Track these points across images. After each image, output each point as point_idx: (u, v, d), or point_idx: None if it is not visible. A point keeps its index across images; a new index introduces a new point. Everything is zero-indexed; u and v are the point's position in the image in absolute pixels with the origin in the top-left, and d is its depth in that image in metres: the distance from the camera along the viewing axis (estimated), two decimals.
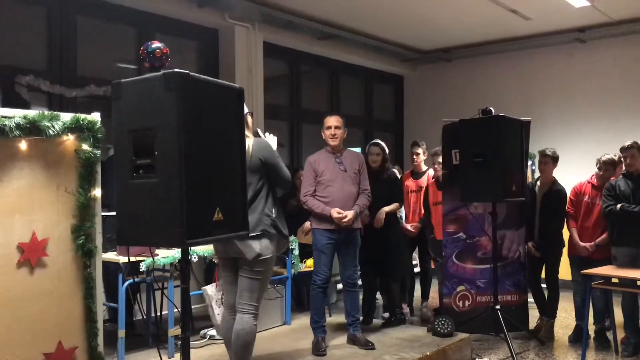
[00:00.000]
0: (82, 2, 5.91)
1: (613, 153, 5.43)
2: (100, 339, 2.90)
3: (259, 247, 3.50)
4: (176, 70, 2.47)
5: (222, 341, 4.03)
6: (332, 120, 4.69)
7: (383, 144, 5.54)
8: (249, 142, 3.54)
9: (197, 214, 2.49)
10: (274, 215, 3.61)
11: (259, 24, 7.25)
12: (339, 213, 4.50)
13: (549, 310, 5.74)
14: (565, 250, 5.69)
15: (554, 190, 5.61)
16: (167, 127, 2.45)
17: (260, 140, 3.66)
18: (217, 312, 4.69)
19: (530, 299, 5.87)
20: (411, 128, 10.10)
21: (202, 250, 4.63)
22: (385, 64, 9.53)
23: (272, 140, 3.86)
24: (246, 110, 3.66)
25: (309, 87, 8.74)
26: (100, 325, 2.90)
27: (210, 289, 4.78)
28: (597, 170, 5.43)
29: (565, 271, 5.71)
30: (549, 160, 5.65)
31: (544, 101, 8.63)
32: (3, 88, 5.42)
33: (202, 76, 2.62)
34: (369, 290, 5.77)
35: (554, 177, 5.69)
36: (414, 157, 6.44)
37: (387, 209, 5.28)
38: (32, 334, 2.70)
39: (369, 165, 5.30)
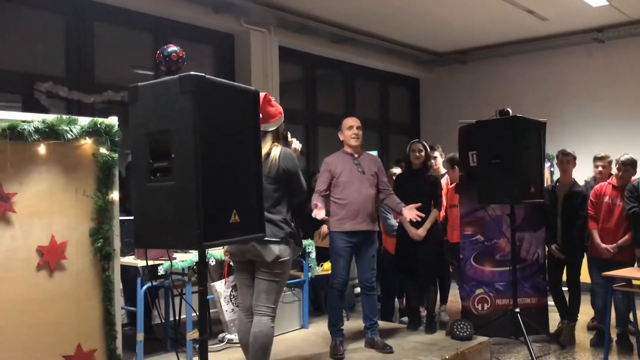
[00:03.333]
0: (100, 9, 5.98)
1: (632, 153, 5.36)
2: (119, 342, 2.91)
3: (278, 249, 3.52)
4: (192, 73, 2.48)
5: (239, 345, 4.03)
6: (354, 120, 4.69)
7: (425, 143, 5.45)
8: (277, 151, 3.61)
9: (213, 216, 2.49)
10: (293, 224, 3.65)
11: (274, 29, 7.28)
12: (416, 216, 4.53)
13: (570, 313, 5.66)
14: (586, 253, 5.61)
15: (575, 191, 5.54)
16: (183, 130, 2.46)
17: (286, 150, 3.69)
18: (226, 309, 4.71)
19: (551, 302, 5.79)
20: (427, 131, 10.05)
21: (220, 253, 4.63)
22: (400, 66, 9.52)
23: (297, 146, 3.91)
24: (282, 119, 3.73)
25: (324, 90, 8.74)
26: (118, 328, 2.92)
27: (219, 286, 4.80)
28: (615, 170, 5.36)
29: (585, 273, 5.64)
30: (571, 159, 5.59)
31: (561, 102, 8.55)
32: (23, 95, 5.49)
33: (218, 79, 2.63)
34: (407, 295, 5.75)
35: (574, 178, 5.63)
36: (431, 160, 6.40)
37: (428, 225, 5.17)
38: (51, 336, 2.72)
39: (411, 165, 5.31)
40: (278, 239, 3.52)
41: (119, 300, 2.95)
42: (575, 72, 8.52)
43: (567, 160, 5.58)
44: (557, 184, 5.70)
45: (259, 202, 2.83)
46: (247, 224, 2.70)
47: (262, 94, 3.68)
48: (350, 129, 4.66)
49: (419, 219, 4.57)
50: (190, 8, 6.50)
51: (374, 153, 9.40)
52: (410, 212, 4.54)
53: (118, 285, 2.94)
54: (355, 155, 4.69)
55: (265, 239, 3.42)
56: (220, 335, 5.07)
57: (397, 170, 6.33)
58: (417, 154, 5.29)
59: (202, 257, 2.70)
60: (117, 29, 6.27)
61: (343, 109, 8.83)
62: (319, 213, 4.25)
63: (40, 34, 5.74)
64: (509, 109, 5.13)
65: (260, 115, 3.58)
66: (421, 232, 5.17)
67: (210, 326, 5.32)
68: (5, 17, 5.49)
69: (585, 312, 5.95)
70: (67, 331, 2.76)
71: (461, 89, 9.63)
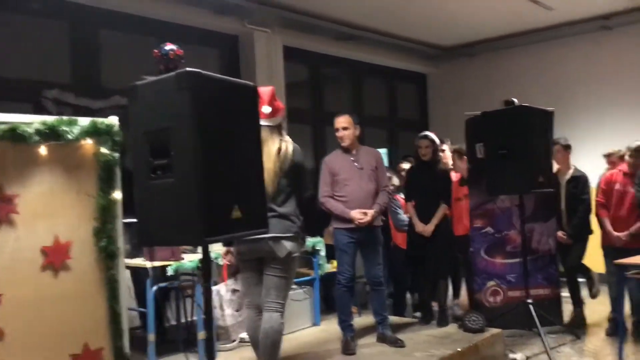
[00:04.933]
0: (104, 15, 6.02)
1: None
2: (126, 340, 2.93)
3: (290, 245, 3.55)
4: (188, 69, 2.48)
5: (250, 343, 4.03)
6: (340, 122, 4.61)
7: (433, 135, 5.36)
8: (289, 146, 3.65)
9: (215, 211, 2.49)
10: (301, 219, 3.68)
11: (278, 29, 7.29)
12: (360, 213, 4.47)
13: (578, 299, 5.66)
14: (598, 242, 5.57)
15: (576, 176, 5.59)
16: (182, 127, 2.46)
17: (296, 145, 3.73)
18: (228, 313, 4.71)
19: (564, 293, 5.75)
20: (437, 126, 9.97)
21: (217, 253, 4.64)
22: (407, 62, 9.49)
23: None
24: (284, 115, 3.78)
25: (331, 89, 8.74)
26: (125, 326, 2.93)
27: (222, 290, 4.80)
28: (627, 157, 5.31)
29: (600, 264, 5.59)
30: (560, 148, 5.61)
31: (569, 92, 8.48)
32: (30, 102, 5.55)
33: (215, 75, 2.64)
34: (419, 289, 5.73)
35: (573, 165, 5.64)
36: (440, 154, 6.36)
37: (436, 220, 5.14)
38: (58, 335, 2.74)
39: (420, 158, 5.26)
40: (291, 234, 3.55)
41: (125, 299, 2.96)
42: (582, 61, 8.44)
43: (555, 149, 5.56)
44: (558, 171, 5.68)
45: (262, 197, 2.83)
46: (249, 219, 2.70)
47: (269, 89, 3.70)
48: (337, 131, 4.65)
49: (362, 222, 4.45)
50: (194, 11, 6.53)
51: (384, 151, 9.47)
52: (355, 214, 4.47)
53: (123, 284, 2.97)
54: (353, 152, 4.65)
55: (278, 235, 3.46)
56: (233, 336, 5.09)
57: (406, 166, 6.31)
58: (425, 150, 5.24)
59: (206, 253, 2.70)
60: (122, 34, 6.32)
61: (350, 107, 8.81)
62: (356, 214, 4.41)
63: (46, 41, 5.80)
64: (514, 99, 5.10)
65: (270, 109, 3.62)
66: (429, 227, 5.15)
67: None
68: (12, 26, 5.55)
69: (601, 301, 5.89)
70: (73, 330, 2.78)
71: (469, 83, 9.58)
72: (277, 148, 3.55)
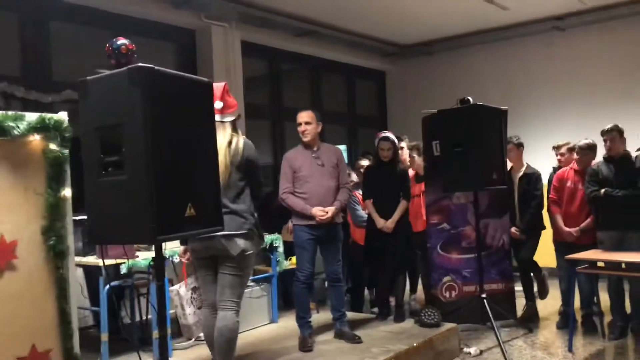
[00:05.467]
0: (55, 6, 5.83)
1: (591, 139, 5.45)
2: (76, 341, 2.86)
3: (244, 243, 3.51)
4: (140, 64, 2.43)
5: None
6: (302, 116, 4.64)
7: (393, 137, 5.39)
8: (240, 140, 3.62)
9: (168, 210, 2.45)
10: (256, 215, 3.64)
11: (235, 23, 7.21)
12: (322, 211, 4.48)
13: (530, 294, 5.80)
14: (550, 237, 5.72)
15: (529, 173, 5.75)
16: (133, 123, 2.41)
17: (248, 140, 3.70)
18: (188, 312, 4.66)
19: (518, 287, 5.88)
20: (395, 123, 10.08)
21: (175, 251, 4.58)
22: (366, 59, 9.53)
23: None
24: (238, 112, 3.73)
25: (289, 85, 8.71)
26: (75, 326, 2.86)
27: (181, 289, 4.73)
28: (575, 155, 5.46)
29: (551, 258, 5.74)
30: (513, 147, 5.77)
31: (524, 91, 8.66)
32: None
33: (169, 70, 2.58)
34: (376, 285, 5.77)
35: (526, 162, 5.81)
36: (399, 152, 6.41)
37: (397, 216, 5.20)
38: (3, 337, 2.65)
39: (380, 159, 5.29)
40: (244, 231, 3.50)
41: (74, 298, 2.89)
42: (536, 61, 8.63)
43: (508, 148, 5.69)
44: (511, 168, 5.80)
45: (216, 195, 2.79)
46: (203, 218, 2.66)
47: (222, 84, 3.67)
48: (299, 126, 4.65)
49: (323, 219, 4.48)
50: (150, 4, 6.41)
51: (343, 147, 9.50)
52: (316, 211, 4.50)
53: (74, 284, 2.89)
54: (315, 149, 4.66)
55: (230, 232, 3.41)
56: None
57: (365, 163, 6.33)
58: (386, 153, 5.28)
59: (159, 252, 2.66)
60: (74, 27, 6.14)
61: (309, 103, 8.80)
62: (318, 211, 4.45)
63: None
64: (469, 98, 5.17)
65: (222, 104, 3.58)
66: (390, 224, 5.19)
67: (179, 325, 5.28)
68: None
69: (552, 295, 6.05)
70: (20, 332, 2.69)
71: (427, 81, 9.68)
72: (227, 142, 3.52)
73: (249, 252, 3.53)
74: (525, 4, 7.57)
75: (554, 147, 6.08)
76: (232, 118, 3.66)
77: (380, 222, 5.21)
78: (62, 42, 6.02)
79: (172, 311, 5.11)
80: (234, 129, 3.68)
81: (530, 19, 8.20)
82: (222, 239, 3.42)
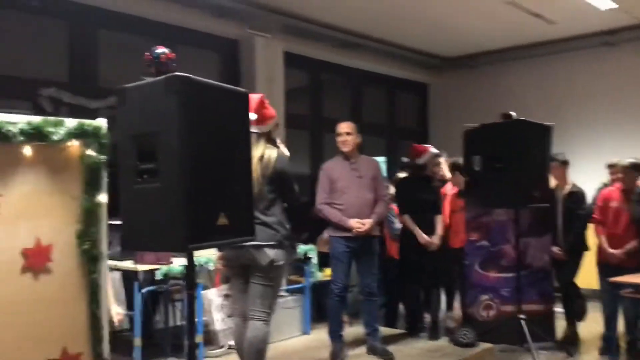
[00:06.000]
0: (104, 15, 6.00)
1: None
2: (106, 345, 2.89)
3: (273, 253, 3.49)
4: (178, 73, 2.45)
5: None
6: (343, 127, 4.65)
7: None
8: (273, 152, 3.60)
9: (200, 218, 2.45)
10: (288, 227, 3.62)
11: (279, 34, 7.27)
12: (359, 223, 4.44)
13: (572, 316, 5.61)
14: (594, 259, 5.53)
15: (574, 191, 5.55)
16: (169, 131, 2.42)
17: (281, 153, 3.69)
18: (216, 318, 4.67)
19: (558, 309, 5.70)
20: (436, 136, 9.96)
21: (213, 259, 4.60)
22: (408, 71, 9.47)
23: (285, 152, 3.86)
24: (274, 122, 3.73)
25: (330, 96, 8.71)
26: (105, 331, 2.89)
27: (211, 294, 4.76)
28: (620, 175, 5.28)
29: (594, 280, 5.54)
30: (557, 164, 5.56)
31: (569, 107, 8.44)
32: (26, 100, 5.52)
33: (206, 80, 2.60)
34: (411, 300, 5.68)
35: (571, 181, 5.62)
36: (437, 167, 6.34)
37: (440, 232, 5.24)
38: (36, 339, 2.69)
39: (419, 173, 5.32)
40: (273, 243, 3.49)
41: (105, 303, 2.92)
42: (584, 76, 8.41)
43: (551, 166, 5.52)
44: (556, 186, 5.64)
45: (249, 204, 2.79)
46: (235, 227, 2.66)
47: (258, 96, 3.67)
48: (339, 136, 4.64)
49: (360, 231, 4.45)
50: (195, 14, 6.51)
51: (382, 159, 9.43)
52: (353, 223, 4.47)
53: (105, 288, 2.92)
54: (353, 160, 4.64)
55: (260, 243, 3.41)
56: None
57: (403, 175, 6.26)
58: (438, 169, 5.40)
59: (190, 260, 2.66)
60: (121, 34, 6.29)
61: (349, 115, 8.77)
62: (355, 223, 4.42)
63: (45, 40, 5.77)
64: (512, 113, 5.07)
65: (257, 116, 3.59)
66: (436, 240, 5.14)
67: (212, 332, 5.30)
68: (10, 23, 5.53)
69: (594, 319, 5.84)
70: (52, 334, 2.74)
71: (470, 94, 9.55)
72: (259, 155, 3.52)
73: (278, 263, 3.51)
74: (574, 19, 7.39)
75: (608, 165, 5.88)
76: (267, 130, 3.65)
77: (423, 238, 5.14)
78: (109, 49, 6.17)
79: (205, 318, 5.15)
80: (270, 140, 3.67)
81: (579, 33, 8.01)
82: (251, 249, 3.42)
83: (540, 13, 7.18)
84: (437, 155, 5.43)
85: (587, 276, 5.70)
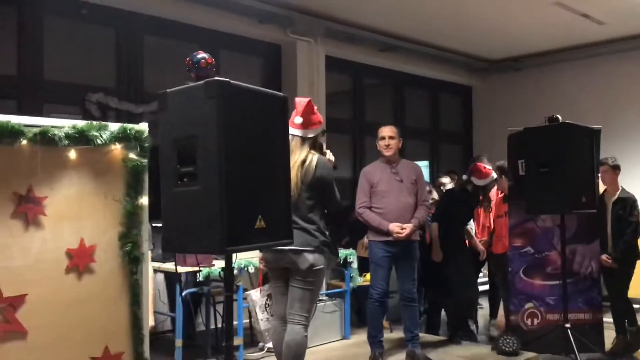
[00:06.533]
0: (149, 21, 6.14)
1: None
2: (146, 345, 2.94)
3: (312, 258, 3.48)
4: (217, 78, 2.48)
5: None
6: (386, 131, 4.63)
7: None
8: (314, 158, 3.57)
9: (238, 221, 2.47)
10: (328, 234, 3.59)
11: (320, 38, 7.28)
12: (399, 227, 4.40)
13: (622, 327, 5.40)
14: None
15: (623, 197, 5.33)
16: (208, 135, 2.46)
17: (323, 159, 3.65)
18: (261, 318, 4.70)
19: (607, 319, 5.51)
20: (480, 140, 9.82)
21: (255, 261, 4.64)
22: (452, 74, 9.35)
23: (331, 158, 3.81)
24: (321, 128, 3.70)
25: (372, 99, 8.68)
26: (146, 331, 2.95)
27: (255, 294, 4.79)
28: None
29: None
30: (607, 168, 5.37)
31: (619, 109, 8.18)
32: (75, 105, 5.68)
33: (245, 84, 2.62)
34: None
35: (621, 186, 5.40)
36: None
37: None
38: (79, 338, 2.77)
39: (465, 187, 5.34)
40: (312, 248, 3.48)
41: (146, 304, 2.98)
42: (634, 78, 8.13)
43: (601, 170, 5.34)
44: (605, 192, 5.46)
45: (287, 208, 2.79)
46: (273, 230, 2.67)
47: (306, 100, 3.66)
48: (383, 140, 4.62)
49: (400, 235, 4.41)
50: (238, 20, 6.58)
51: (425, 163, 9.34)
52: (393, 227, 4.44)
53: (146, 289, 2.98)
54: (393, 164, 4.61)
55: (298, 248, 3.41)
56: (260, 344, 5.07)
57: (445, 180, 6.18)
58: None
59: (228, 262, 2.69)
60: (166, 40, 6.42)
61: (392, 118, 8.73)
62: (395, 227, 4.41)
63: (93, 46, 5.94)
64: (558, 116, 4.93)
65: (302, 120, 3.58)
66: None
67: (251, 334, 5.34)
68: (60, 31, 5.72)
69: None
70: (95, 333, 2.81)
71: (515, 97, 9.36)
72: (301, 160, 3.51)
73: (318, 267, 3.50)
74: (624, 19, 7.16)
75: None
76: (313, 135, 3.63)
77: (437, 254, 5.21)
78: (154, 55, 6.30)
79: (245, 320, 5.19)
80: (315, 146, 3.64)
81: (629, 34, 7.75)
82: (290, 253, 3.42)
83: (588, 13, 6.98)
84: (495, 181, 5.36)
85: (638, 284, 5.51)
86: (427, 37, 8.04)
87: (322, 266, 3.52)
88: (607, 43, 8.05)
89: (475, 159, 6.52)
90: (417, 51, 8.30)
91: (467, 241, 5.62)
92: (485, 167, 5.39)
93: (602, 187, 5.50)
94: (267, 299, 4.82)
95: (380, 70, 8.51)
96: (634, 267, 5.38)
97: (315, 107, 3.75)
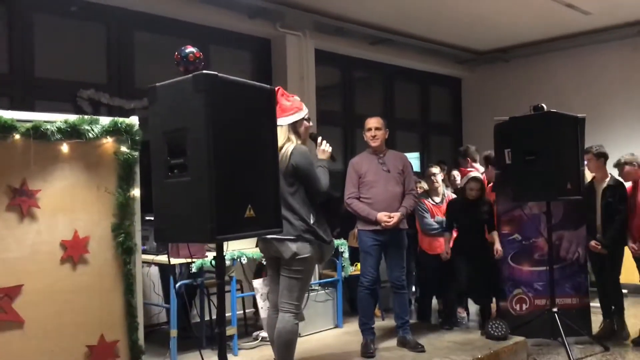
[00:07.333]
0: (140, 17, 6.18)
1: None
2: (141, 333, 3.01)
3: (295, 246, 3.48)
4: (204, 71, 2.56)
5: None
6: (372, 122, 4.69)
7: (482, 177, 5.68)
8: (289, 146, 3.54)
9: (227, 210, 2.56)
10: (311, 221, 3.55)
11: (310, 32, 7.33)
12: (387, 216, 4.49)
13: (609, 312, 5.51)
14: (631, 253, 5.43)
15: (611, 185, 5.41)
16: (197, 127, 2.54)
17: (300, 147, 3.59)
18: (261, 306, 4.79)
19: (593, 303, 5.62)
20: (470, 131, 9.91)
21: (252, 252, 4.71)
22: (441, 66, 9.43)
23: (327, 148, 3.79)
24: (304, 115, 3.68)
25: (362, 92, 8.75)
26: (140, 320, 3.02)
27: (258, 283, 4.89)
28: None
29: (633, 275, 5.45)
30: (591, 157, 5.47)
31: (605, 98, 8.28)
32: (67, 102, 5.72)
33: (232, 77, 2.70)
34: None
35: (610, 173, 5.49)
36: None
37: (497, 240, 5.47)
38: (75, 327, 2.85)
39: (465, 196, 5.48)
40: (293, 237, 3.48)
41: (141, 293, 3.05)
42: (620, 67, 8.24)
43: (587, 158, 5.43)
44: (594, 179, 5.55)
45: (276, 197, 2.88)
46: (262, 219, 2.75)
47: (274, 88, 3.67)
48: (369, 131, 4.68)
49: (388, 224, 4.51)
50: (227, 14, 6.63)
51: (415, 155, 9.42)
52: (381, 216, 4.52)
53: (140, 279, 3.05)
54: (380, 155, 4.68)
55: (281, 237, 3.43)
56: (255, 333, 5.15)
57: (435, 170, 6.24)
58: (475, 193, 5.42)
59: (219, 251, 2.77)
60: (156, 36, 6.46)
61: (382, 111, 8.80)
62: (383, 216, 4.50)
63: (83, 43, 5.98)
64: (543, 105, 5.03)
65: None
66: (498, 246, 5.43)
67: (245, 324, 5.43)
68: (50, 28, 5.75)
69: (635, 315, 5.74)
70: (90, 322, 2.88)
71: (504, 88, 9.44)
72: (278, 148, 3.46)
73: (302, 256, 3.49)
74: (609, 9, 7.25)
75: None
76: (290, 122, 3.60)
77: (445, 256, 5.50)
78: (145, 51, 6.34)
79: (239, 311, 5.27)
80: (295, 132, 3.63)
81: (615, 23, 7.84)
82: (275, 242, 3.47)
83: (574, 4, 7.06)
84: (471, 179, 5.47)
85: (627, 271, 5.60)
86: (416, 30, 8.10)
87: (307, 255, 3.50)
88: (593, 33, 8.14)
89: (463, 150, 6.63)
90: (407, 44, 8.37)
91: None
92: (464, 169, 5.59)
93: (589, 175, 5.59)
94: (268, 290, 4.90)
95: (370, 63, 8.57)
96: (623, 253, 5.48)
97: (292, 95, 3.71)
